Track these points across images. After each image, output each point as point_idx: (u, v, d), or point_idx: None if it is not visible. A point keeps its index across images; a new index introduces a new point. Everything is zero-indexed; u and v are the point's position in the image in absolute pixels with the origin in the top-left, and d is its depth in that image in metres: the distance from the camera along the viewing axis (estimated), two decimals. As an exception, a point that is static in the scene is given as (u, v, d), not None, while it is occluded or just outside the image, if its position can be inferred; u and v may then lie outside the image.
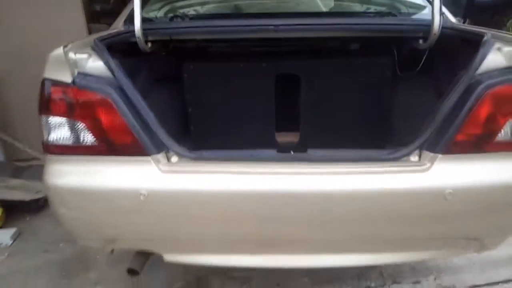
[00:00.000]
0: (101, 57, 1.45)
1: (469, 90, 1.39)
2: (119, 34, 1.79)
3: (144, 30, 1.76)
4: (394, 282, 2.15)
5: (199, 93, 2.10)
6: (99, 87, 1.42)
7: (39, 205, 2.93)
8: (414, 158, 1.48)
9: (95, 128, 1.44)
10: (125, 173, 1.45)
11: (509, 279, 2.24)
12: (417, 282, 2.16)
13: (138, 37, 1.73)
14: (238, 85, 2.06)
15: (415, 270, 2.24)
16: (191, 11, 2.25)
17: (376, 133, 2.09)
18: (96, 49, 1.48)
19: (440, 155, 1.43)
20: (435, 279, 2.19)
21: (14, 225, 2.76)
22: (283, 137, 2.20)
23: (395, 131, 2.20)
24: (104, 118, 1.43)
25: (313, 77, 2.03)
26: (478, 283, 2.23)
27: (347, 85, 2.04)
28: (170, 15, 2.17)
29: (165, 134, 1.48)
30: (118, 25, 1.99)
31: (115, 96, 1.42)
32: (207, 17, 2.15)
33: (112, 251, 1.72)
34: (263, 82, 2.05)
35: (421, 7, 2.09)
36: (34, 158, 3.51)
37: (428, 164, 1.43)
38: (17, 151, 3.52)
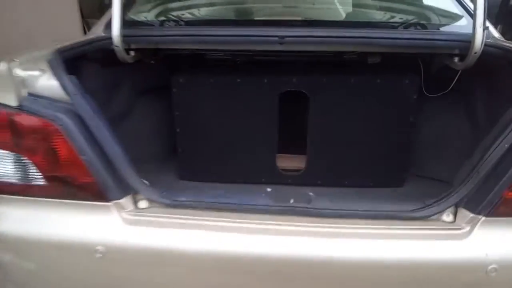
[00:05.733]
0: (56, 74, 1.16)
1: None
2: (92, 42, 1.51)
3: (125, 37, 1.49)
4: None
5: (189, 111, 1.81)
6: (50, 113, 1.13)
7: None
8: (447, 217, 1.16)
9: (44, 163, 1.16)
10: (78, 222, 1.17)
11: None
12: None
13: (116, 46, 1.47)
14: (234, 104, 1.76)
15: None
16: (186, 14, 1.95)
17: (395, 166, 1.77)
18: (52, 64, 1.19)
19: (483, 218, 1.11)
20: None
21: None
22: (285, 163, 1.90)
23: (418, 162, 1.88)
24: (54, 151, 1.15)
25: (324, 97, 1.72)
26: None
27: (364, 107, 1.72)
28: (162, 18, 1.86)
29: (132, 173, 1.19)
30: (99, 30, 1.70)
31: (69, 125, 1.13)
32: (202, 23, 1.85)
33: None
34: (263, 101, 1.75)
35: (456, 17, 1.74)
36: None
37: (467, 228, 1.12)
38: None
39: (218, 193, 1.43)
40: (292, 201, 1.23)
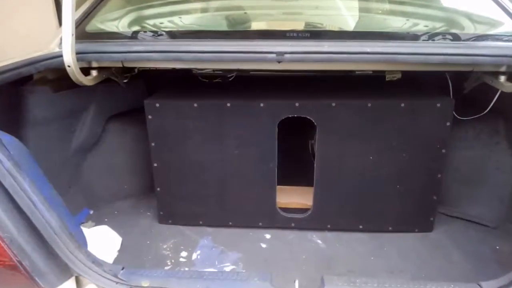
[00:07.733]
0: None
1: None
2: (37, 61, 1.19)
3: (82, 53, 1.18)
4: None
5: (168, 142, 1.48)
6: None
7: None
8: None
9: None
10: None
11: None
12: None
13: (69, 66, 1.15)
14: (223, 133, 1.44)
15: None
16: (165, 23, 1.61)
17: (423, 207, 1.46)
18: None
19: None
20: None
21: None
22: (286, 198, 1.59)
23: (447, 199, 1.56)
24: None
25: (334, 124, 1.39)
26: None
27: (384, 137, 1.39)
28: (136, 27, 1.54)
29: (73, 248, 0.84)
30: (54, 43, 1.37)
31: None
32: (184, 35, 1.51)
33: None
34: (259, 130, 1.42)
35: (497, 24, 1.41)
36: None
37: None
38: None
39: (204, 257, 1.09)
40: (296, 284, 0.88)
